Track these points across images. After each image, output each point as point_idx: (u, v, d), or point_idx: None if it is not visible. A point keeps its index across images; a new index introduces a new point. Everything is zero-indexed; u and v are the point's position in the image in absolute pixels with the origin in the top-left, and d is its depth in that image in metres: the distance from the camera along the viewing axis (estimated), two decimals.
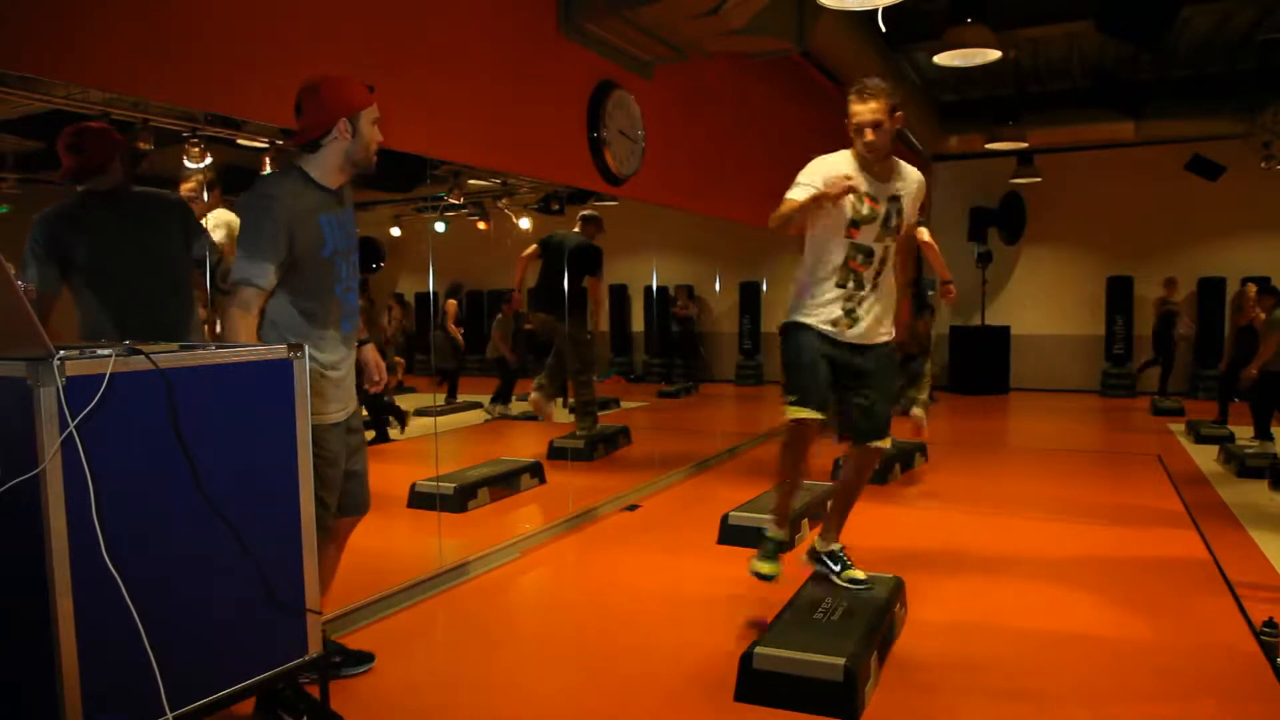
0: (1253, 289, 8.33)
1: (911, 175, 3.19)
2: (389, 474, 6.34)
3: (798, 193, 3.02)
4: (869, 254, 3.10)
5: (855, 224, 3.08)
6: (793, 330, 3.18)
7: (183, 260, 2.86)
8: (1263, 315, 7.84)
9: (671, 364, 10.84)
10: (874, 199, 3.09)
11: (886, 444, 3.26)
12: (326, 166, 2.50)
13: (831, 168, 3.05)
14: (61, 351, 1.64)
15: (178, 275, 2.85)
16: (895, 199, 3.12)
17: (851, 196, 3.02)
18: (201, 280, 2.92)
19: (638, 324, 10.79)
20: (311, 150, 2.49)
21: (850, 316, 3.12)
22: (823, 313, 3.13)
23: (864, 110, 3.00)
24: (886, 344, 3.22)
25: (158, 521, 1.79)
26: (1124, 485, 5.93)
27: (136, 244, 2.74)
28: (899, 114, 3.04)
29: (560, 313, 5.88)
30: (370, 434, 6.72)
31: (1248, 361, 8.20)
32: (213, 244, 2.93)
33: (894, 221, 3.12)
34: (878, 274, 3.13)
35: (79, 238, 2.68)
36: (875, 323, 3.15)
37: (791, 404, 3.11)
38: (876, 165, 3.09)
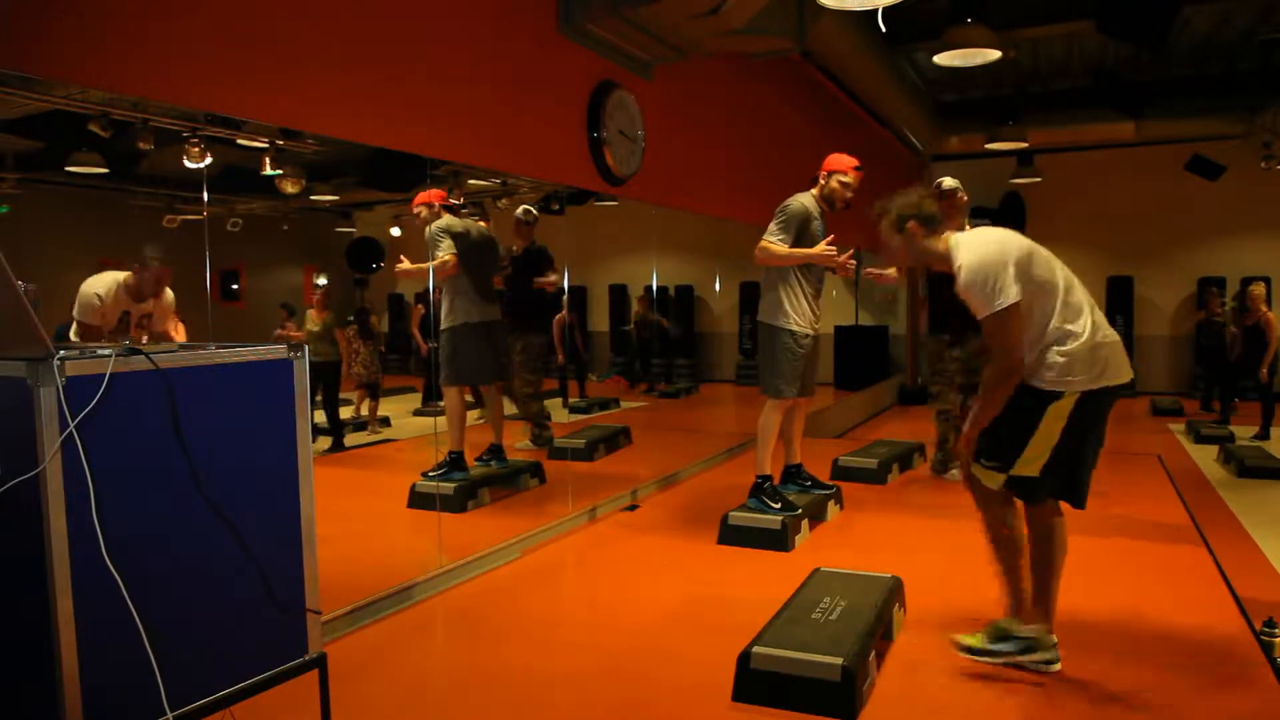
0: (1259, 289, 8.31)
1: None
2: (389, 475, 6.35)
3: None
4: None
5: None
6: None
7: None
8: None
9: (672, 364, 10.83)
10: None
11: None
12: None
13: None
14: (61, 351, 1.64)
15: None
16: None
17: None
18: None
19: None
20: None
21: None
22: None
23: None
24: None
25: (158, 521, 1.79)
26: (1124, 485, 5.92)
27: None
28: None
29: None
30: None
31: (1253, 361, 8.20)
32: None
33: None
34: None
35: None
36: None
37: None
38: None
